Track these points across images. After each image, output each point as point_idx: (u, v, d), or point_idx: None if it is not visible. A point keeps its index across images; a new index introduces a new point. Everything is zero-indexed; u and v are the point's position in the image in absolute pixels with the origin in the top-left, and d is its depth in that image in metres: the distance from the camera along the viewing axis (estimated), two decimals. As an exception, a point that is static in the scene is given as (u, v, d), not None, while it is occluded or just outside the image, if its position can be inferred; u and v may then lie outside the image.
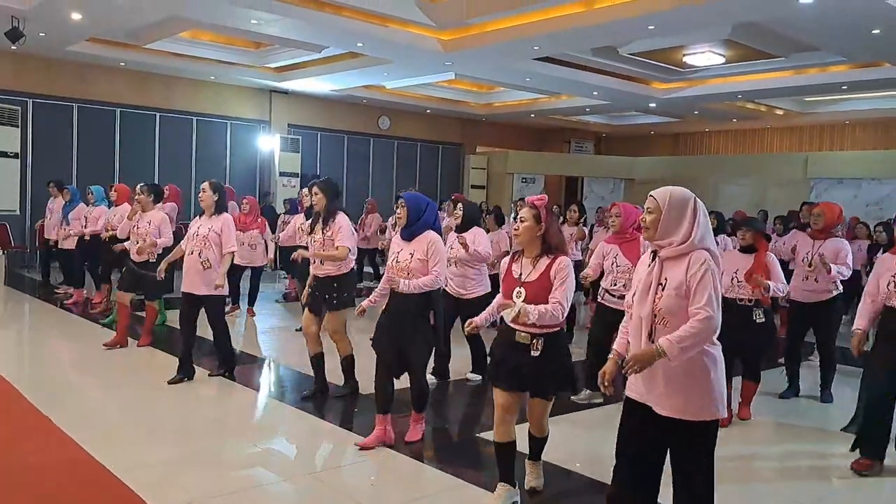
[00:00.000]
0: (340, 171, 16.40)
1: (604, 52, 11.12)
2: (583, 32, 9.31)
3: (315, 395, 5.20)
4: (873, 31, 8.71)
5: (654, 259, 2.65)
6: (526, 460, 3.75)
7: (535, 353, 3.32)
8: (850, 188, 14.84)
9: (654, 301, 2.55)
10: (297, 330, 7.15)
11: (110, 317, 7.52)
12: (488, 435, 4.56)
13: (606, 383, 2.77)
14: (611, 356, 2.83)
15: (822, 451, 4.79)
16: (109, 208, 8.33)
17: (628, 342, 2.74)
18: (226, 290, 5.61)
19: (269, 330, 8.15)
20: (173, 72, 13.29)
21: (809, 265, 5.56)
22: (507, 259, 3.55)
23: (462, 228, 5.68)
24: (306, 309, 5.16)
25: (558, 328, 3.39)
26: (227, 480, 3.78)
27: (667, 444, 2.64)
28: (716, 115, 16.20)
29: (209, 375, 5.62)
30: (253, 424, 4.94)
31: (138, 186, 6.51)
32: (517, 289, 3.35)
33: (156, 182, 12.42)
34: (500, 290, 3.53)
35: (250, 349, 7.06)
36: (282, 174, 14.94)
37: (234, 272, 8.28)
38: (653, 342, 2.56)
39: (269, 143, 15.13)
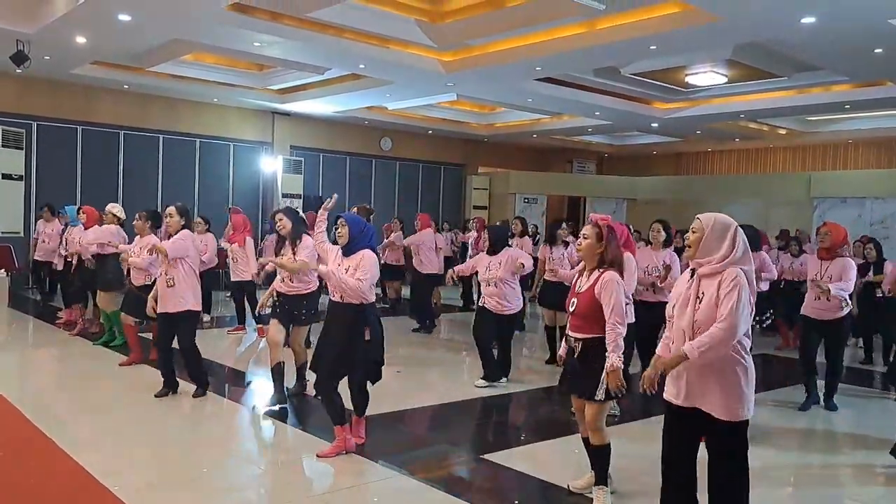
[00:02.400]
0: (342, 193, 16.39)
1: (606, 73, 11.15)
2: (585, 53, 9.34)
3: (277, 404, 5.44)
4: (875, 51, 8.73)
5: (692, 275, 2.97)
6: (594, 488, 3.76)
7: (575, 357, 3.66)
8: (854, 207, 14.80)
9: (693, 313, 2.87)
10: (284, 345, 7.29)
11: (103, 338, 7.61)
12: (493, 457, 4.52)
13: (646, 385, 3.04)
14: (653, 361, 3.11)
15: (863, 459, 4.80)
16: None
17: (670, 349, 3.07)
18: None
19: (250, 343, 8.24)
20: (176, 94, 13.35)
21: (819, 287, 5.63)
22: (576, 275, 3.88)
23: (493, 251, 6.21)
24: (275, 320, 5.43)
25: (599, 335, 3.57)
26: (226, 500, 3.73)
27: (697, 443, 3.05)
28: (718, 135, 16.21)
29: (193, 396, 5.66)
30: (250, 444, 4.87)
31: (137, 213, 6.52)
32: (573, 299, 3.67)
33: (158, 204, 12.63)
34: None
35: (241, 365, 7.06)
36: (284, 195, 14.95)
37: (239, 289, 8.58)
38: None
39: (271, 165, 15.17)
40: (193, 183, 14.25)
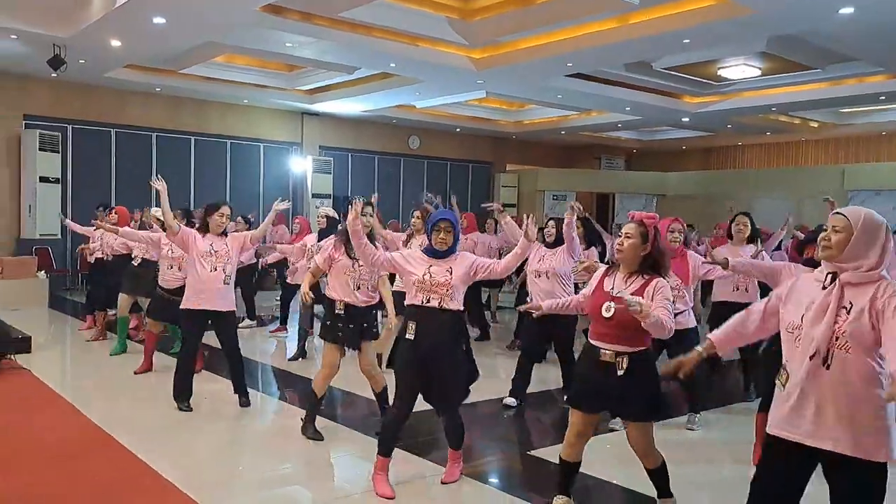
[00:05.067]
0: (371, 192, 16.37)
1: (637, 68, 11.07)
2: (616, 48, 9.28)
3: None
4: (914, 41, 8.58)
5: (832, 281, 2.44)
6: (658, 501, 3.56)
7: (619, 373, 3.23)
8: (888, 200, 14.52)
9: (835, 324, 2.38)
10: (289, 359, 7.29)
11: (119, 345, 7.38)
12: (539, 453, 4.52)
13: (684, 372, 2.76)
14: (706, 345, 2.79)
15: None
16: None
17: (731, 337, 2.77)
18: None
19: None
20: (207, 96, 13.50)
21: None
22: (599, 273, 3.48)
23: (553, 245, 5.73)
24: (332, 343, 4.66)
25: (645, 348, 3.29)
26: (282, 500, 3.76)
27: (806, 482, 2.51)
28: (749, 129, 16.03)
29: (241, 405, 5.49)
30: (299, 445, 4.90)
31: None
32: (607, 303, 3.26)
33: (191, 205, 12.75)
34: (586, 300, 3.47)
35: (295, 368, 7.07)
36: (314, 195, 15.05)
37: (289, 290, 8.43)
38: (827, 366, 2.37)
39: (301, 165, 15.27)
40: (225, 184, 14.40)
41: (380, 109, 14.53)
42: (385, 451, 3.82)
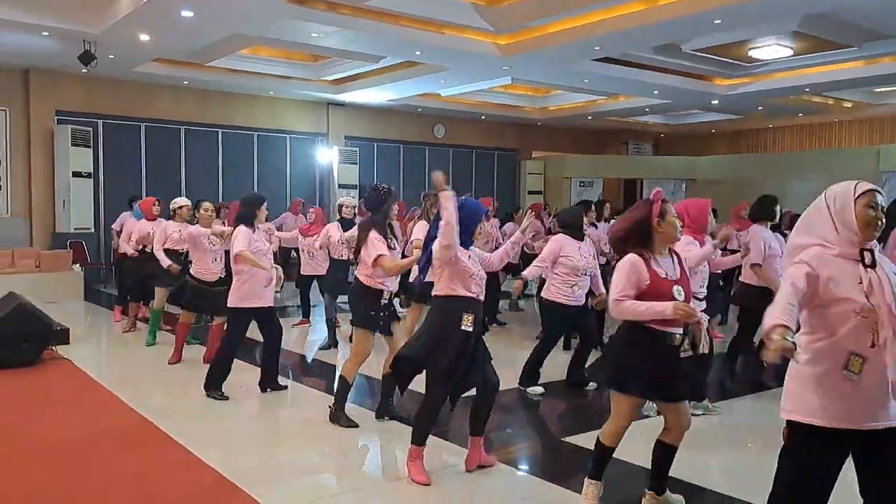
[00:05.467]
0: (397, 181, 16.47)
1: (666, 50, 10.90)
2: (645, 30, 9.14)
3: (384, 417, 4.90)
4: (954, 15, 8.34)
5: (872, 257, 2.40)
6: (648, 492, 3.49)
7: (684, 354, 3.16)
8: (926, 181, 14.22)
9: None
10: (320, 348, 7.34)
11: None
12: (575, 439, 4.49)
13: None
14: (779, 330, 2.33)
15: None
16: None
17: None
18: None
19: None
20: (233, 88, 13.58)
21: None
22: (635, 262, 3.24)
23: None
24: (370, 331, 4.72)
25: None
26: (313, 486, 3.78)
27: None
28: (780, 111, 15.74)
29: (271, 389, 5.57)
30: (333, 433, 4.92)
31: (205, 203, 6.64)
32: (676, 287, 3.21)
33: (220, 197, 12.87)
34: (647, 296, 3.20)
35: (324, 357, 7.12)
36: (341, 186, 15.09)
37: (304, 283, 8.41)
38: None
39: (327, 156, 15.32)
40: (252, 176, 14.50)
41: (405, 98, 14.51)
42: (420, 441, 3.84)
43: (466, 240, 3.88)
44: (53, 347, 6.59)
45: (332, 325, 7.52)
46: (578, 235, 5.67)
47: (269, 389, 5.59)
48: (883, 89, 14.50)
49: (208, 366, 5.58)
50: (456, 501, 3.67)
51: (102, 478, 3.83)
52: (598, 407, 5.58)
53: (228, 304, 5.33)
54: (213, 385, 5.38)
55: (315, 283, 8.24)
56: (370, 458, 4.47)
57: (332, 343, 7.42)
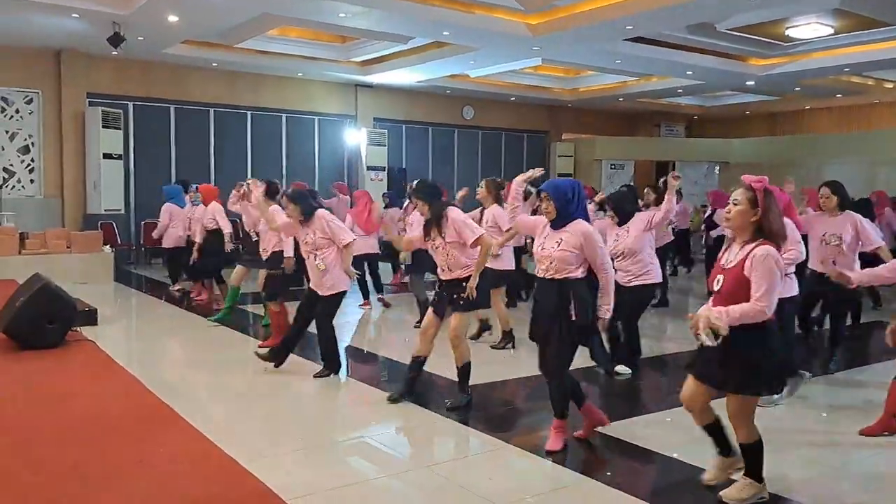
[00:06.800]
0: (425, 164, 16.40)
1: (700, 29, 10.64)
2: (680, 8, 8.91)
3: (402, 398, 4.81)
4: None
5: None
6: (739, 476, 3.40)
7: (717, 342, 3.03)
8: (969, 163, 13.77)
9: None
10: (415, 326, 7.11)
11: (220, 314, 7.48)
12: (607, 429, 4.39)
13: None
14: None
15: None
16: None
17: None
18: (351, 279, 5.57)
19: (377, 322, 8.21)
20: (262, 69, 13.56)
21: None
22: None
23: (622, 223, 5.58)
24: (430, 309, 4.82)
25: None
26: (341, 473, 3.76)
27: None
28: (818, 92, 15.31)
29: (314, 376, 5.47)
30: (364, 418, 4.89)
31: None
32: (718, 276, 3.18)
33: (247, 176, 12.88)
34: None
35: (358, 343, 7.09)
36: (369, 168, 15.05)
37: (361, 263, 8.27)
38: None
39: (355, 138, 15.26)
40: (281, 157, 14.51)
41: (433, 80, 14.37)
42: (560, 414, 3.99)
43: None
44: (79, 329, 6.62)
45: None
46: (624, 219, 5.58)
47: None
48: (926, 69, 14.03)
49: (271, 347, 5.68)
50: (485, 491, 3.60)
51: (116, 460, 3.82)
52: (622, 391, 5.49)
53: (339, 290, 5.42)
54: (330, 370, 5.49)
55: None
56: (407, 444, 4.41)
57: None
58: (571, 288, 3.84)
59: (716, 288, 3.18)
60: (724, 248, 3.34)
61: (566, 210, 3.86)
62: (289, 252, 6.19)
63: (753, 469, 3.29)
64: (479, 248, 4.60)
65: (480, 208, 6.56)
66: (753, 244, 3.13)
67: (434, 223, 4.69)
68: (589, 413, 4.12)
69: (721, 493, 3.30)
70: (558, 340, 3.86)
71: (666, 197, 5.47)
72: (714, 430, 3.41)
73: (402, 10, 9.21)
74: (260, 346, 6.21)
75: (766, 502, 3.30)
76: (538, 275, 3.96)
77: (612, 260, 5.32)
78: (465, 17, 9.74)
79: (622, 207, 5.63)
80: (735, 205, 3.15)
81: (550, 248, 3.87)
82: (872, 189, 13.07)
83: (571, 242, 3.82)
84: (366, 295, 8.59)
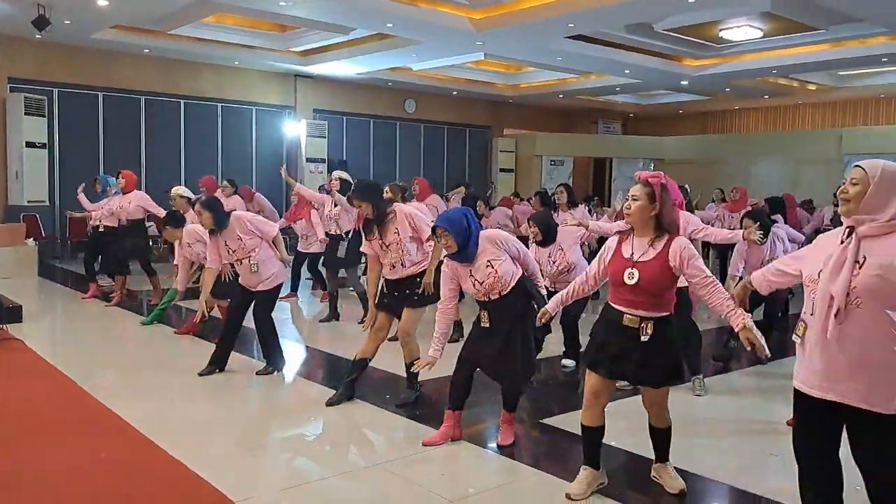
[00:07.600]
0: (366, 157, 16.25)
1: (638, 29, 10.84)
2: (620, 8, 9.08)
3: (340, 402, 4.63)
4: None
5: (849, 235, 2.40)
6: (653, 465, 3.50)
7: (644, 338, 3.11)
8: (887, 164, 14.47)
9: (850, 278, 2.34)
10: (359, 322, 7.01)
11: (154, 313, 7.14)
12: (554, 421, 4.43)
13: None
14: (742, 284, 2.92)
15: None
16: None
17: (767, 281, 2.80)
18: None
19: (313, 318, 8.05)
20: (197, 58, 13.16)
21: None
22: (613, 239, 3.32)
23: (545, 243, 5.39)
24: (384, 311, 4.65)
25: (668, 313, 3.19)
26: (292, 472, 3.67)
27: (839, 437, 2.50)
28: (746, 92, 15.86)
29: (256, 374, 5.35)
30: (311, 416, 4.80)
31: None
32: (629, 269, 3.14)
33: (181, 170, 12.54)
34: (601, 269, 3.32)
35: (299, 339, 6.96)
36: (308, 160, 14.81)
37: (298, 259, 8.52)
38: (840, 321, 2.34)
39: (294, 129, 14.99)
40: (216, 148, 14.12)
41: (375, 72, 14.23)
42: (511, 408, 4.05)
43: None
44: (4, 326, 6.30)
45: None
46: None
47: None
48: (846, 73, 14.70)
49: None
50: (437, 487, 3.57)
51: (54, 465, 3.64)
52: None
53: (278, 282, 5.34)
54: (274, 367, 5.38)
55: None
56: (354, 443, 4.35)
57: (332, 316, 7.44)
58: (522, 286, 3.91)
59: (630, 282, 3.13)
60: (616, 241, 3.28)
61: (466, 241, 3.79)
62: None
63: (665, 452, 3.45)
64: (431, 242, 4.53)
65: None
66: (664, 239, 3.16)
67: (377, 223, 4.53)
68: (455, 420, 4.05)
69: (567, 490, 3.34)
70: (522, 342, 3.88)
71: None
72: (598, 437, 3.37)
73: (346, 0, 9.08)
74: (175, 333, 6.52)
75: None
76: (482, 299, 3.93)
77: (555, 275, 5.38)
78: (409, 10, 9.67)
79: (548, 228, 5.40)
80: (635, 200, 3.17)
81: (487, 279, 3.84)
82: (797, 187, 13.70)
83: (499, 258, 3.85)
84: (294, 287, 8.69)
